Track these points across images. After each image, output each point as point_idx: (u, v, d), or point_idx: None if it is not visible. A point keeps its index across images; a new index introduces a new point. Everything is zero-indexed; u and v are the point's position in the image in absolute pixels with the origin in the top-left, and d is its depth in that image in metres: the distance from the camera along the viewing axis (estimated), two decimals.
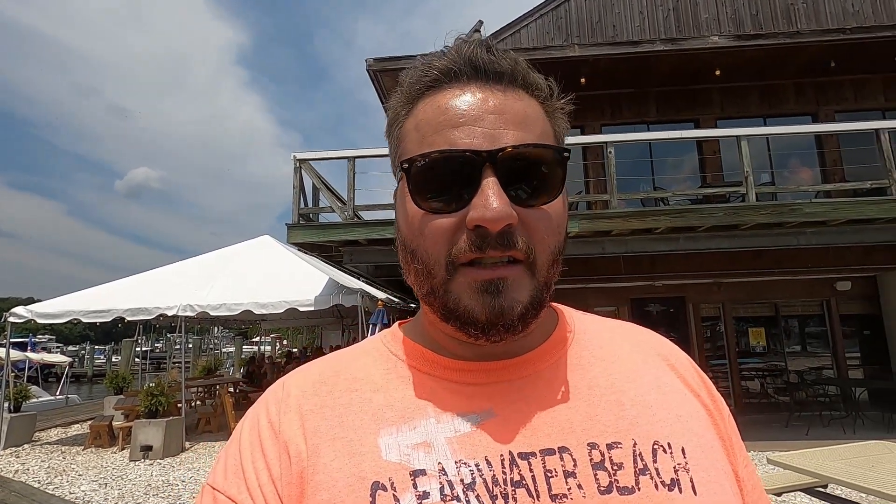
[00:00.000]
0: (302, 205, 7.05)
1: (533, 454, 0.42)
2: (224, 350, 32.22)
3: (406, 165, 0.45)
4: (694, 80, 9.10)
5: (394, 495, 0.40)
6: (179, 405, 8.21)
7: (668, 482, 0.42)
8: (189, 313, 7.59)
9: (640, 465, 0.42)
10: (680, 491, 0.42)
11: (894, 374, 8.36)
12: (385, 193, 7.42)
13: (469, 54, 0.46)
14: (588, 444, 0.43)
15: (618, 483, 0.41)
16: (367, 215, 7.55)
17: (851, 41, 8.10)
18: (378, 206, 7.21)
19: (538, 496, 0.40)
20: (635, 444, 0.43)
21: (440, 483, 0.40)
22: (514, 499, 0.40)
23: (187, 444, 7.52)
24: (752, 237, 6.97)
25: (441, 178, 0.43)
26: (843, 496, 3.65)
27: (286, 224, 6.86)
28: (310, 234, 6.90)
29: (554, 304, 0.54)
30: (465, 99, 0.45)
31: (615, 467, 0.42)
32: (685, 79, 9.06)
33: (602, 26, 9.81)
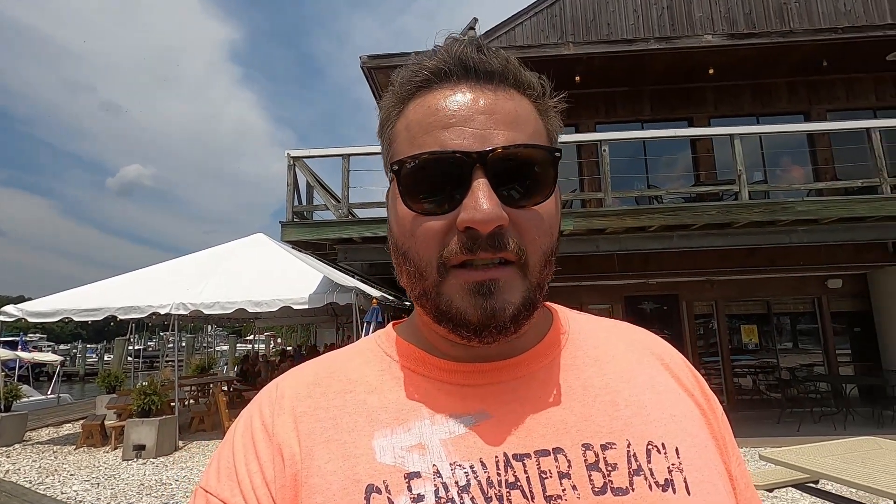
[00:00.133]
0: (296, 202, 7.03)
1: (527, 455, 0.42)
2: (218, 348, 32.10)
3: (396, 167, 0.44)
4: (688, 78, 9.15)
5: (388, 498, 0.40)
6: (172, 404, 8.16)
7: (661, 482, 0.42)
8: (182, 312, 7.55)
9: (635, 466, 0.42)
10: (674, 491, 0.42)
11: (884, 371, 8.45)
12: (379, 191, 7.41)
13: (459, 54, 0.45)
14: (582, 445, 0.43)
15: (612, 484, 0.41)
16: (361, 213, 7.54)
17: (843, 40, 8.17)
18: (372, 203, 7.20)
19: (533, 497, 0.40)
20: (629, 445, 0.44)
21: (435, 485, 0.40)
22: (509, 500, 0.40)
23: (181, 443, 7.48)
24: (744, 235, 7.02)
25: (431, 180, 0.43)
26: (833, 492, 3.69)
27: (280, 222, 6.84)
28: (304, 231, 6.88)
29: (548, 303, 0.54)
30: (456, 99, 0.44)
31: (609, 468, 0.42)
32: (679, 77, 9.11)
33: (597, 24, 9.83)
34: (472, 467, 0.41)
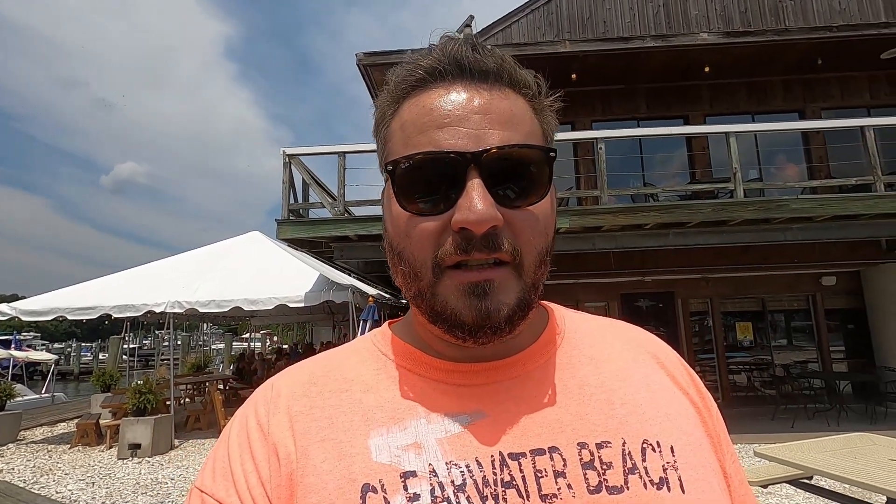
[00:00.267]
0: (292, 200, 7.00)
1: (523, 454, 0.42)
2: (213, 347, 32.02)
3: (391, 167, 0.44)
4: (683, 76, 9.17)
5: (384, 497, 0.40)
6: (168, 402, 8.13)
7: (656, 481, 0.42)
8: (178, 310, 7.51)
9: (630, 465, 0.43)
10: (668, 489, 0.42)
11: (877, 368, 8.53)
12: (376, 188, 7.40)
13: (454, 53, 0.45)
14: (578, 444, 0.43)
15: (607, 482, 0.41)
16: (357, 211, 7.52)
17: (838, 39, 8.21)
18: (369, 201, 7.18)
19: (528, 496, 0.40)
20: (625, 444, 0.44)
21: (430, 484, 0.40)
22: (505, 499, 0.40)
23: (176, 442, 7.46)
24: (739, 233, 7.05)
25: (426, 180, 0.43)
26: (827, 487, 3.72)
27: (276, 220, 6.81)
28: (300, 229, 6.86)
29: (544, 302, 0.54)
30: (450, 99, 0.44)
31: (604, 467, 0.42)
32: (675, 75, 9.13)
33: (593, 22, 9.84)
34: (467, 466, 0.41)
